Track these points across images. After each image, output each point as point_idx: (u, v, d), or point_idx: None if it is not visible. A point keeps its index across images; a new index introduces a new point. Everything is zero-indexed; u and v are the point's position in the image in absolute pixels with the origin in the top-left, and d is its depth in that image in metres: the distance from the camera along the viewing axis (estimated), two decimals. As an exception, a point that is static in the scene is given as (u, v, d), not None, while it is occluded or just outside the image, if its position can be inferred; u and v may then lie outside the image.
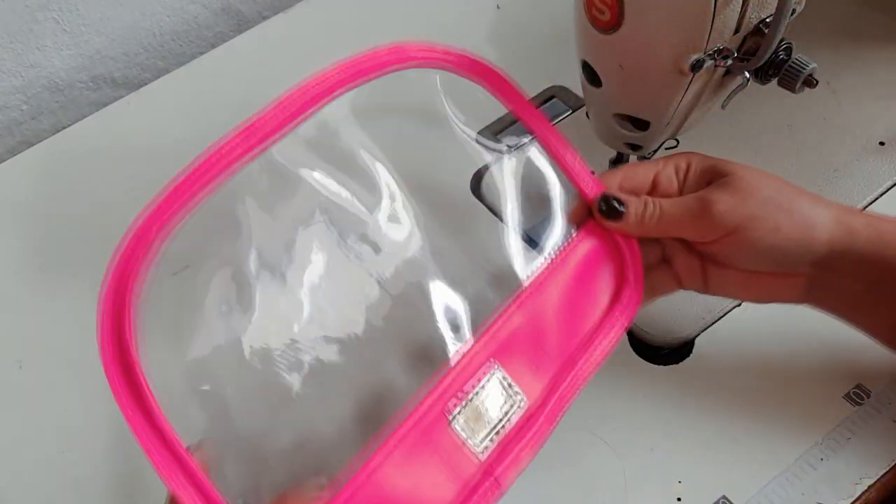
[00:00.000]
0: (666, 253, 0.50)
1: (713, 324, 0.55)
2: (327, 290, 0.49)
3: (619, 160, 0.58)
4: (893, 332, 0.48)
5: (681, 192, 0.48)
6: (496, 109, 0.68)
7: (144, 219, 0.42)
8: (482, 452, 0.41)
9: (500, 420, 0.42)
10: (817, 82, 0.49)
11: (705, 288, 0.50)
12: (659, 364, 0.54)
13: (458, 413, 0.42)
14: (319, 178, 0.50)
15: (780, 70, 0.48)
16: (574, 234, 0.48)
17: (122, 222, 0.65)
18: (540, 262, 0.47)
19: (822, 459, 0.49)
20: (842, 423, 0.50)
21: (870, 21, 0.70)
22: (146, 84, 0.74)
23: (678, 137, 0.55)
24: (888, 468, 0.49)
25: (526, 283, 0.46)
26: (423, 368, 0.46)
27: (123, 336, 0.40)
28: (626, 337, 0.56)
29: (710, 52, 0.46)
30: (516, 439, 0.42)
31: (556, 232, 0.49)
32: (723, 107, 0.51)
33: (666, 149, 0.58)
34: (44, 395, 0.57)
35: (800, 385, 0.52)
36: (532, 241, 0.59)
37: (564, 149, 0.50)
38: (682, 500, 0.49)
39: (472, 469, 0.41)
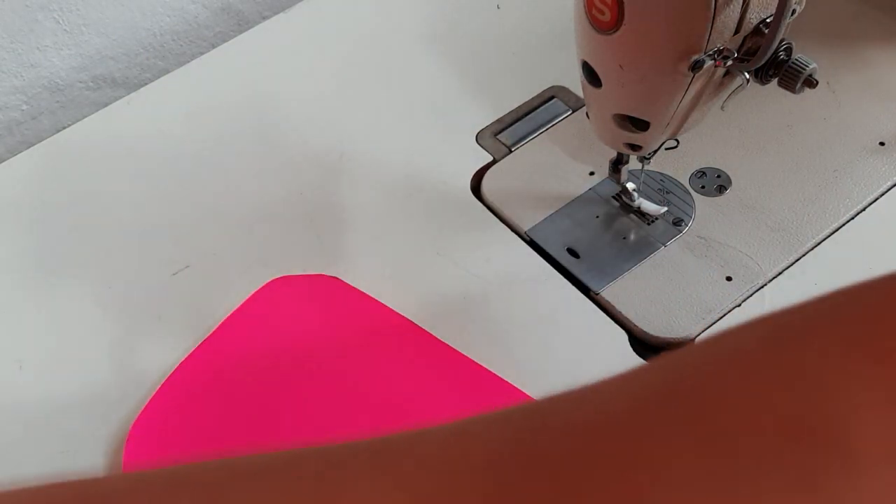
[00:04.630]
0: None
1: (713, 324, 0.55)
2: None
3: (619, 160, 0.58)
4: None
5: None
6: (496, 110, 0.68)
7: None
8: None
9: None
10: (817, 82, 0.49)
11: None
12: (659, 364, 0.54)
13: None
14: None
15: (780, 70, 0.48)
16: None
17: (121, 222, 0.65)
18: None
19: (822, 460, 0.49)
20: (842, 424, 0.50)
21: (870, 21, 0.70)
22: (146, 84, 0.74)
23: (678, 138, 0.55)
24: (888, 468, 0.49)
25: None
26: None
27: None
28: (626, 337, 0.56)
29: (710, 53, 0.46)
30: None
31: None
32: (722, 107, 0.51)
33: (666, 149, 0.58)
34: (44, 395, 0.57)
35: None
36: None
37: None
38: (682, 500, 0.49)
39: None
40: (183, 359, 0.56)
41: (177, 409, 0.54)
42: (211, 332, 0.57)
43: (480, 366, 0.54)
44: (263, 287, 0.59)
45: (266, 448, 0.31)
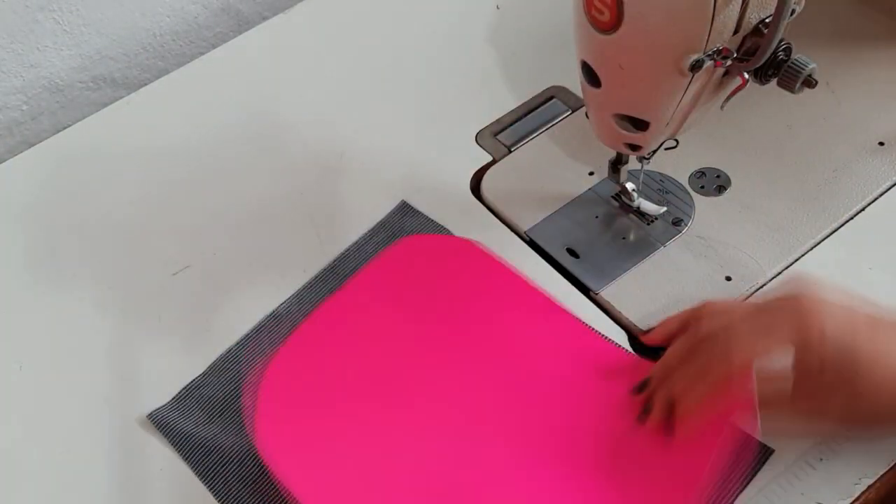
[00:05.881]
0: None
1: (713, 324, 0.55)
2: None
3: (618, 160, 0.58)
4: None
5: None
6: (496, 110, 0.68)
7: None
8: None
9: None
10: (816, 82, 0.49)
11: None
12: (659, 364, 0.54)
13: None
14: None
15: (780, 70, 0.48)
16: None
17: (121, 222, 0.65)
18: None
19: (821, 459, 0.49)
20: (841, 423, 0.50)
21: (870, 21, 0.70)
22: (146, 84, 0.74)
23: (678, 138, 0.55)
24: (888, 468, 0.49)
25: None
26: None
27: None
28: (625, 336, 0.56)
29: (710, 53, 0.46)
30: None
31: None
32: (721, 107, 0.51)
33: (665, 149, 0.58)
34: (44, 395, 0.57)
35: (799, 385, 0.52)
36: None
37: None
38: (681, 500, 0.49)
39: None
40: (313, 311, 0.57)
41: (308, 355, 0.55)
42: (342, 285, 0.59)
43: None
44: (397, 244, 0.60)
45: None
